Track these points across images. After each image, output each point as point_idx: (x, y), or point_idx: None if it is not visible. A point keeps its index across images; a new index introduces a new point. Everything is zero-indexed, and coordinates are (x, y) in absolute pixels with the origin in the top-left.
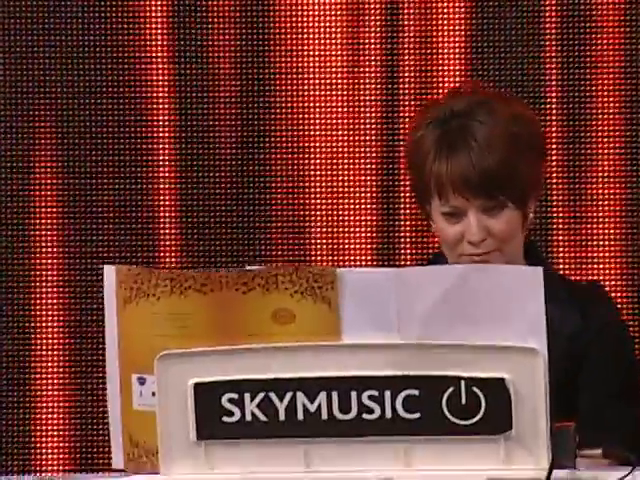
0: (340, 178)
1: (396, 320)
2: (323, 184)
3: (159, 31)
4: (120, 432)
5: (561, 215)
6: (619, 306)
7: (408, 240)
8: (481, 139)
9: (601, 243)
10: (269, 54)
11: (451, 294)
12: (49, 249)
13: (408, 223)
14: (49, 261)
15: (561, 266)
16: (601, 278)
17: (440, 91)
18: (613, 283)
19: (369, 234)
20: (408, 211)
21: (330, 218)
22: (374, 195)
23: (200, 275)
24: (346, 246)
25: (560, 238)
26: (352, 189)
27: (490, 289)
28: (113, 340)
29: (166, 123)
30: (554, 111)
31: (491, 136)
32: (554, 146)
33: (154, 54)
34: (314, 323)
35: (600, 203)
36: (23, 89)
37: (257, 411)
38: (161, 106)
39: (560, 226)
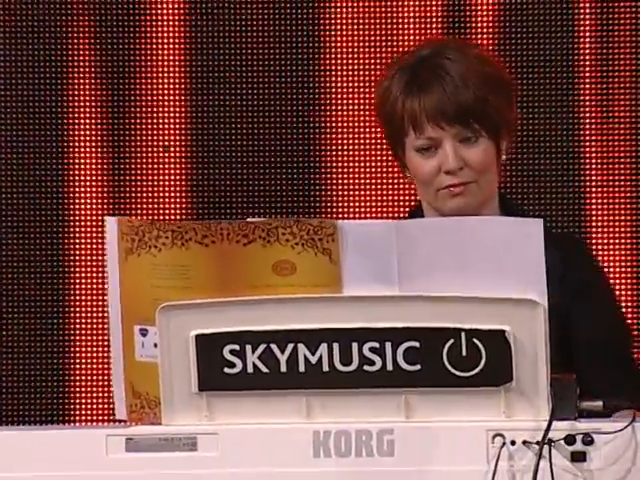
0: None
1: (397, 272)
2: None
3: None
4: (122, 383)
5: (594, 191)
6: None
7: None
8: (455, 74)
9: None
10: None
11: (452, 246)
12: (84, 200)
13: None
14: (83, 212)
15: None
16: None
17: None
18: None
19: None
20: None
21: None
22: None
23: (201, 227)
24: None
25: (594, 213)
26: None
27: (490, 241)
28: (115, 291)
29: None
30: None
31: (464, 72)
32: (587, 112)
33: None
34: (315, 275)
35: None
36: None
37: (258, 362)
38: (171, 47)
39: (594, 201)
